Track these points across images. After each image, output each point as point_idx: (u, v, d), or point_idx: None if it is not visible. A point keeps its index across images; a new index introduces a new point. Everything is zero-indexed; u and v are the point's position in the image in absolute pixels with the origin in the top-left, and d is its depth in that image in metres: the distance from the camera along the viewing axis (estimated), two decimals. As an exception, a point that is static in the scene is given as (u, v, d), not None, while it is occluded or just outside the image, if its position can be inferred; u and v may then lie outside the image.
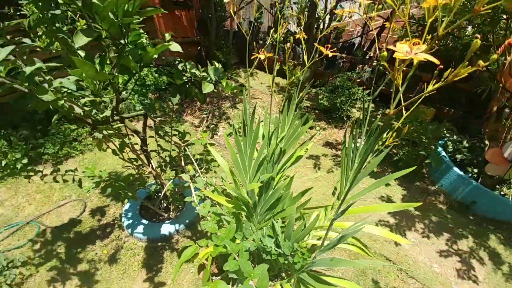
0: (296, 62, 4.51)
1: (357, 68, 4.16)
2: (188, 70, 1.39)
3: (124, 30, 0.83)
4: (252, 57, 1.05)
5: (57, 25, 0.94)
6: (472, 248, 2.22)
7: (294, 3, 4.49)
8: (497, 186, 2.63)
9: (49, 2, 0.86)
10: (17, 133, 2.69)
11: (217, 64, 1.46)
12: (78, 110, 1.00)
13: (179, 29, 4.55)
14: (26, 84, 0.75)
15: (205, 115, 3.77)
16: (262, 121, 1.41)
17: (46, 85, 0.78)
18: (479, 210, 2.51)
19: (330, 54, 0.93)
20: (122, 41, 0.86)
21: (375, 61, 4.08)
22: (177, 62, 1.42)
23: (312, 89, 4.70)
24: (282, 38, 4.77)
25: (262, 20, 5.17)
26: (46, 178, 1.56)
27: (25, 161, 1.58)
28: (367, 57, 4.18)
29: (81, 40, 0.71)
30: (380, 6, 0.82)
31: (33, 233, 2.05)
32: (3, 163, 2.30)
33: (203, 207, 1.19)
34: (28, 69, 0.72)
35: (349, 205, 0.89)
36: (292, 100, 1.29)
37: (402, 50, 0.46)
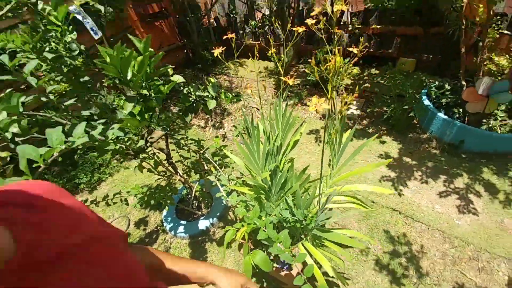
0: (277, 43, 4.71)
1: (333, 37, 4.34)
2: (192, 93, 1.67)
3: (148, 86, 1.12)
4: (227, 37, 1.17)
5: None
6: (468, 184, 2.51)
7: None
8: (484, 120, 2.90)
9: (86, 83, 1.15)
10: (50, 172, 3.03)
11: (213, 80, 1.73)
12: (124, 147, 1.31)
13: (163, 39, 4.75)
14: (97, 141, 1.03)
15: (208, 116, 4.05)
16: (260, 110, 1.69)
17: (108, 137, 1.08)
18: (468, 148, 2.79)
19: (301, 30, 1.16)
20: (147, 92, 1.15)
21: (350, 26, 4.25)
22: (181, 87, 1.70)
23: (299, 65, 4.91)
24: (259, 24, 4.94)
25: (237, 10, 5.32)
26: (87, 203, 1.86)
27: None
28: (342, 23, 4.35)
29: (128, 107, 1.00)
30: None
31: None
32: None
33: (232, 198, 1.51)
34: (96, 132, 1.00)
35: (337, 174, 1.19)
36: (280, 88, 1.56)
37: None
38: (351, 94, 1.15)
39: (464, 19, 2.82)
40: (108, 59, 0.87)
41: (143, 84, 1.07)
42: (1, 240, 0.31)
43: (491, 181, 2.52)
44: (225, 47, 1.29)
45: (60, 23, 1.22)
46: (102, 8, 1.54)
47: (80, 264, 0.38)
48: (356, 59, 0.97)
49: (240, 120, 3.69)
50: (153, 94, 1.21)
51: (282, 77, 1.19)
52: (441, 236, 2.10)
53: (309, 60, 4.15)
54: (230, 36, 1.22)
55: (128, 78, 0.97)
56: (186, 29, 4.77)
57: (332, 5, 1.22)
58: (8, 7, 1.21)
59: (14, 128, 0.92)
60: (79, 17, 1.63)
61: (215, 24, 5.28)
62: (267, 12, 5.06)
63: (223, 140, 2.08)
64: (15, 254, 0.32)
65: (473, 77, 2.91)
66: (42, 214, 0.37)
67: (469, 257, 1.95)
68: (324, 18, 1.19)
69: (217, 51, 1.15)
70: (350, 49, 0.98)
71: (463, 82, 2.97)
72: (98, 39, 1.97)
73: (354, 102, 3.76)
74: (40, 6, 1.25)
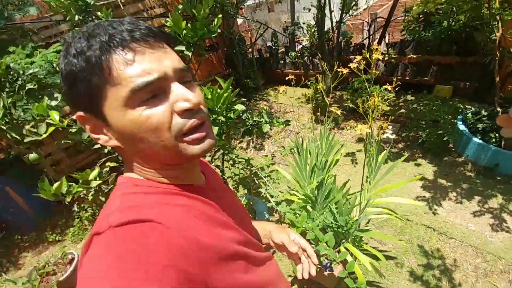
0: (317, 72, 5.08)
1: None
2: (250, 118, 2.05)
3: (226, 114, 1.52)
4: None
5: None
6: (502, 204, 2.61)
7: (303, 23, 5.10)
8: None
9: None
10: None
11: (266, 108, 2.11)
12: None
13: (211, 69, 5.37)
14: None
15: (249, 138, 4.46)
16: (298, 133, 2.02)
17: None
18: (503, 171, 2.89)
19: (345, 71, 1.50)
20: (223, 119, 1.54)
21: (386, 56, 4.52)
22: (241, 114, 2.09)
23: (336, 92, 5.22)
24: (299, 54, 5.38)
25: (279, 42, 5.83)
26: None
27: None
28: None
29: (215, 130, 1.39)
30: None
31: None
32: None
33: (282, 207, 1.83)
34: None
35: (373, 188, 1.47)
36: (320, 112, 1.89)
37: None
38: (387, 120, 1.46)
39: (499, 50, 3.01)
40: (209, 96, 1.27)
41: (224, 112, 1.47)
42: (200, 175, 0.66)
43: (525, 202, 2.60)
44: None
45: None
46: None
47: (231, 192, 0.74)
48: (391, 92, 1.31)
49: (279, 142, 4.04)
50: (226, 120, 1.60)
51: (328, 105, 1.53)
52: (473, 251, 2.23)
53: (346, 87, 4.47)
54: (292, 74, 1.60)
55: (217, 108, 1.36)
56: (233, 61, 5.34)
57: (371, 52, 1.57)
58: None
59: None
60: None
61: (258, 55, 5.81)
62: (305, 43, 5.51)
63: (272, 159, 2.44)
64: (205, 183, 0.66)
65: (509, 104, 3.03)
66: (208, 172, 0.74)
67: (501, 271, 2.06)
68: (364, 62, 1.55)
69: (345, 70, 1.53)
70: (385, 86, 1.29)
71: (499, 109, 3.10)
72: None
73: (390, 127, 3.97)
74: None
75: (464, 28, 3.79)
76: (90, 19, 1.86)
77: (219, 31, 1.70)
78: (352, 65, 1.65)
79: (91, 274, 0.40)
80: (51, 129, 1.34)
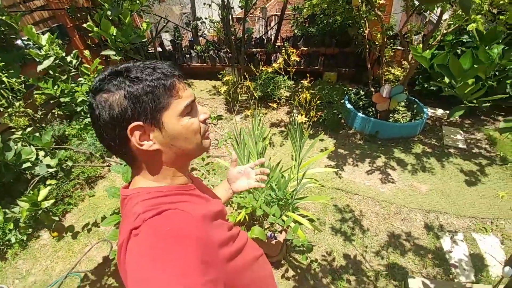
0: (224, 65, 5.30)
1: (272, 58, 5.14)
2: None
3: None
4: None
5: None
6: (385, 162, 3.39)
7: (205, 18, 5.22)
8: (391, 115, 3.86)
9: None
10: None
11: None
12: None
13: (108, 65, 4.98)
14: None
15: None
16: (216, 124, 2.23)
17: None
18: (382, 136, 3.73)
19: (270, 70, 1.75)
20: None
21: (283, 48, 5.06)
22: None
23: (244, 83, 5.55)
24: (204, 48, 5.48)
25: (182, 37, 5.80)
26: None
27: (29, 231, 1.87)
28: (276, 46, 5.16)
29: None
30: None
31: (77, 281, 2.39)
32: (12, 239, 2.67)
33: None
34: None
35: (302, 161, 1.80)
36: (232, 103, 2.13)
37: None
38: (291, 105, 1.78)
39: (367, 42, 3.79)
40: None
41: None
42: (186, 179, 0.76)
43: (400, 158, 3.44)
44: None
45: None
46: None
47: (209, 190, 0.91)
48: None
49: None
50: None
51: (239, 95, 1.76)
52: (372, 201, 2.88)
53: (255, 78, 4.83)
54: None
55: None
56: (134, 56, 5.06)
57: (288, 55, 1.87)
58: (47, 62, 1.58)
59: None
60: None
61: (161, 50, 5.65)
62: (209, 37, 5.65)
63: (207, 152, 2.55)
64: (191, 181, 0.80)
65: (379, 84, 3.88)
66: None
67: (394, 212, 2.75)
68: (282, 61, 1.83)
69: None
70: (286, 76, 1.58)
71: (372, 89, 3.93)
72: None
73: (295, 110, 4.52)
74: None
75: (340, 25, 4.59)
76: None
77: (146, 34, 1.72)
78: (275, 65, 1.94)
79: (145, 256, 0.53)
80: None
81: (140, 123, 0.60)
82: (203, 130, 0.71)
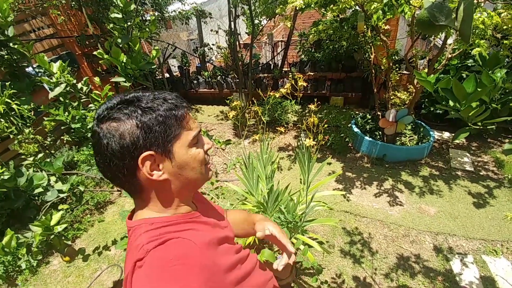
0: (232, 91, 5.49)
1: (279, 83, 5.31)
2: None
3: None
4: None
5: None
6: (393, 185, 3.41)
7: (213, 44, 5.48)
8: (397, 138, 3.92)
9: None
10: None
11: (204, 130, 2.33)
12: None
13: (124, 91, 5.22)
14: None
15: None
16: (224, 149, 2.31)
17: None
18: (389, 159, 3.77)
19: (278, 95, 1.84)
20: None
21: (290, 74, 5.25)
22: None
23: (252, 108, 5.71)
24: (211, 74, 5.70)
25: (189, 62, 6.06)
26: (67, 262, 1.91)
27: (40, 256, 1.90)
28: (283, 72, 5.35)
29: None
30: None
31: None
32: (23, 265, 2.70)
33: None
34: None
35: (310, 184, 1.86)
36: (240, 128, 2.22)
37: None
38: (298, 129, 1.88)
39: (373, 67, 3.92)
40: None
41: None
42: (190, 208, 0.76)
43: (408, 180, 3.46)
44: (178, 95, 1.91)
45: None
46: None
47: (215, 210, 0.95)
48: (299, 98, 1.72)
49: (216, 158, 4.24)
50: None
51: (248, 120, 1.86)
52: (381, 224, 2.89)
53: (263, 103, 4.98)
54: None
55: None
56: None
57: (295, 80, 1.99)
58: (58, 89, 1.70)
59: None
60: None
61: (168, 76, 5.90)
62: (216, 63, 5.89)
63: (216, 176, 2.64)
64: (197, 208, 0.80)
65: (386, 108, 3.97)
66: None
67: (403, 235, 2.75)
68: (289, 85, 1.94)
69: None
70: (294, 100, 1.69)
71: (378, 112, 4.02)
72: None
73: (302, 134, 4.62)
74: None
75: (346, 50, 4.77)
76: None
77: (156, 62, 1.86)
78: (282, 90, 2.06)
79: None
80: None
81: (152, 152, 0.62)
82: (206, 160, 0.74)
